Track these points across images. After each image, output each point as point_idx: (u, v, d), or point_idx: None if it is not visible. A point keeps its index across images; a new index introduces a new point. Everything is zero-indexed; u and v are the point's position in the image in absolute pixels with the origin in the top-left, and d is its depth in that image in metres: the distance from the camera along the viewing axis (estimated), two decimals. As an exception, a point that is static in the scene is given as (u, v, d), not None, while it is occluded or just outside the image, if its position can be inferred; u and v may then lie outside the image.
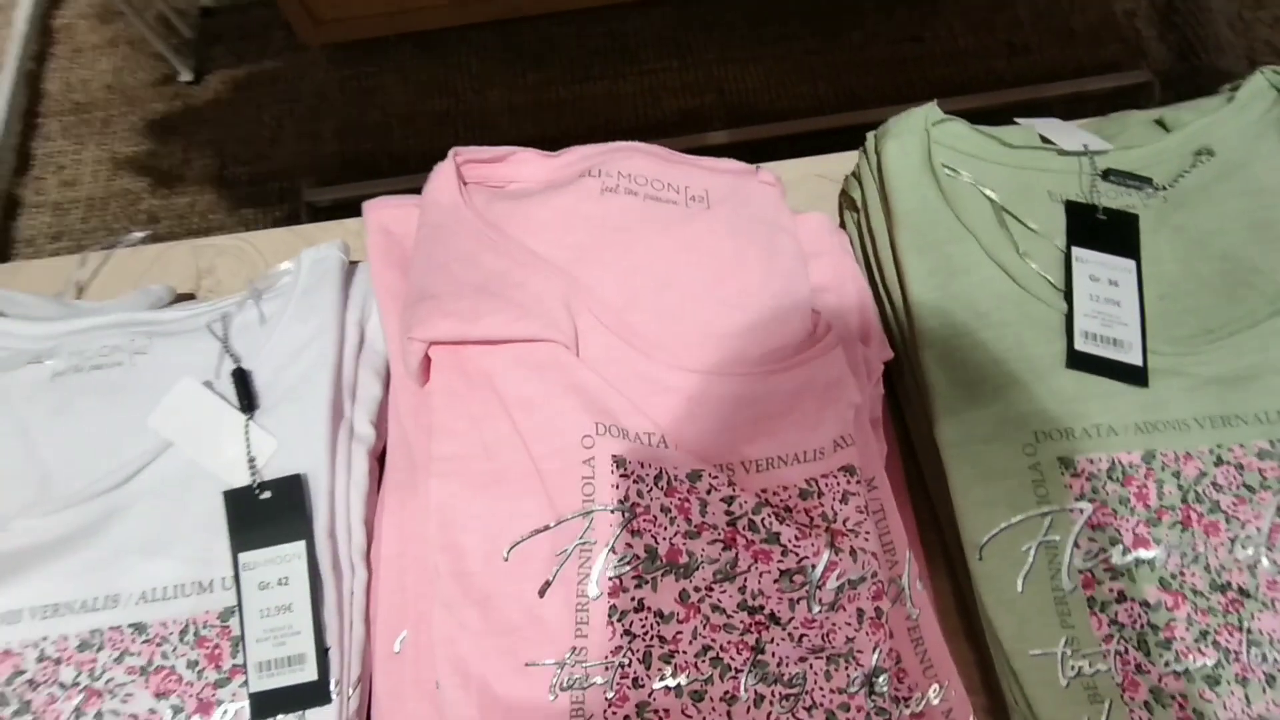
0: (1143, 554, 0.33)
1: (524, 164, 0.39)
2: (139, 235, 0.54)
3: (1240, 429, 0.35)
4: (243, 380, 0.37)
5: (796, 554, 0.30)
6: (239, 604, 0.33)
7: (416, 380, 0.33)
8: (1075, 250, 0.39)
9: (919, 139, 0.41)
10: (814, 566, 0.30)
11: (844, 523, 0.31)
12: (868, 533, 0.31)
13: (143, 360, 0.39)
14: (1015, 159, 0.41)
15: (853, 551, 0.30)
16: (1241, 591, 0.32)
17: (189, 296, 0.49)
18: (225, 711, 0.33)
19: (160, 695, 0.33)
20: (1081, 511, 0.34)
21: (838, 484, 0.32)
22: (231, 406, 0.36)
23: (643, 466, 0.31)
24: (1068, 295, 0.38)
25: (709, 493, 0.30)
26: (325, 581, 0.34)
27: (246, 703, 0.32)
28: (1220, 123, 0.41)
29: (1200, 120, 0.42)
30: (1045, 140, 0.42)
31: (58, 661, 0.33)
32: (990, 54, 1.18)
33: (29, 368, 0.39)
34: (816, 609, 0.30)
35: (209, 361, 0.38)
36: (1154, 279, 0.38)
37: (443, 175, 0.36)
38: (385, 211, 0.37)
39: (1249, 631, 0.31)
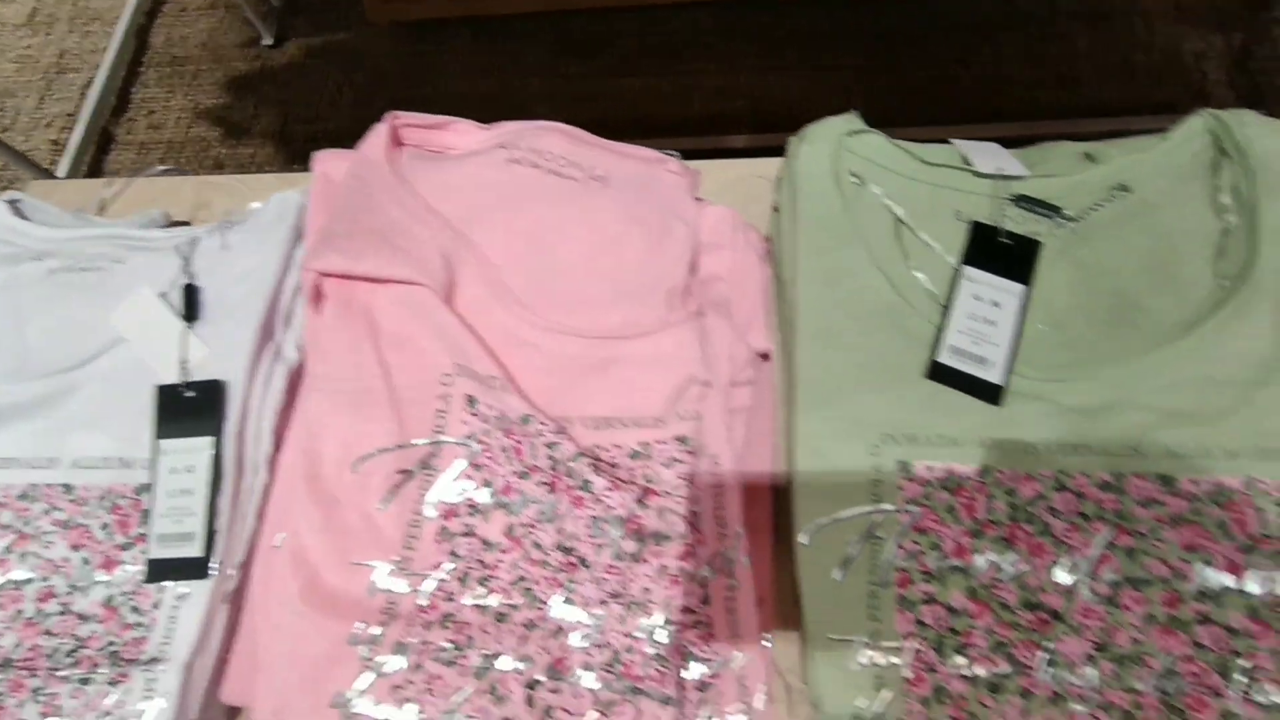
0: (958, 562, 0.34)
1: (462, 134, 0.43)
2: (160, 169, 0.61)
3: (1087, 458, 0.35)
4: (190, 294, 0.42)
5: (604, 503, 0.32)
6: (152, 482, 0.39)
7: (311, 306, 0.37)
8: (966, 269, 0.39)
9: (831, 146, 0.42)
10: (619, 518, 0.32)
11: (661, 485, 0.33)
12: (681, 498, 0.33)
13: (120, 268, 0.45)
14: (929, 176, 0.42)
15: (660, 511, 0.33)
16: (1053, 613, 0.33)
17: (185, 224, 0.55)
18: (125, 570, 0.38)
19: (75, 547, 0.38)
20: (910, 514, 0.35)
21: (667, 450, 0.34)
22: (175, 315, 0.42)
23: (489, 408, 0.34)
24: (946, 310, 0.38)
25: (536, 437, 0.33)
26: (226, 475, 0.39)
27: (142, 566, 0.38)
28: (1146, 161, 0.41)
29: (1127, 157, 0.41)
30: (966, 161, 0.43)
31: (2, 505, 0.39)
32: (1038, 84, 1.14)
33: (32, 263, 0.46)
34: (619, 558, 0.32)
35: (170, 276, 0.44)
36: (1042, 307, 0.39)
37: (376, 135, 0.40)
38: (330, 161, 0.42)
39: (1050, 651, 0.32)
